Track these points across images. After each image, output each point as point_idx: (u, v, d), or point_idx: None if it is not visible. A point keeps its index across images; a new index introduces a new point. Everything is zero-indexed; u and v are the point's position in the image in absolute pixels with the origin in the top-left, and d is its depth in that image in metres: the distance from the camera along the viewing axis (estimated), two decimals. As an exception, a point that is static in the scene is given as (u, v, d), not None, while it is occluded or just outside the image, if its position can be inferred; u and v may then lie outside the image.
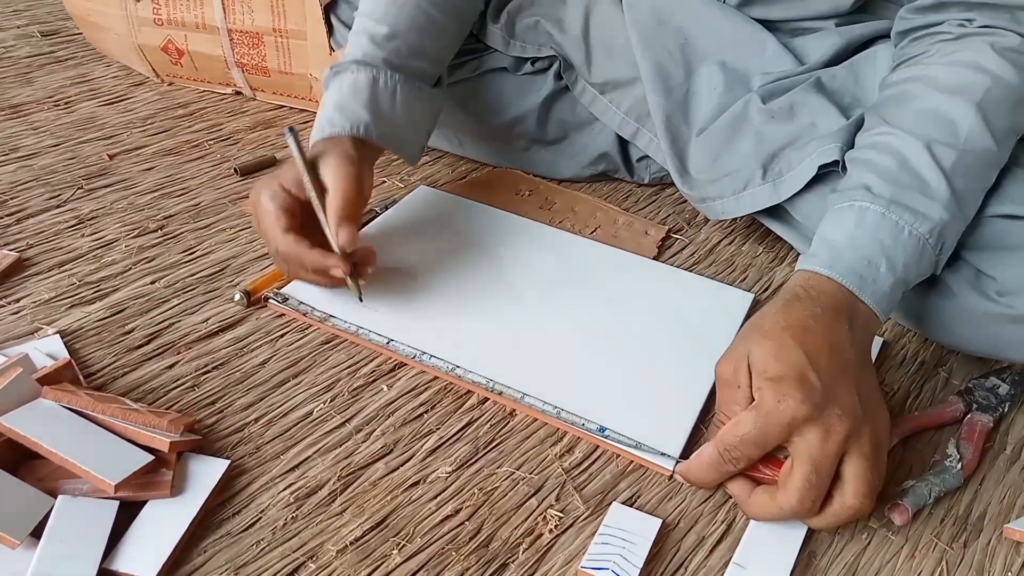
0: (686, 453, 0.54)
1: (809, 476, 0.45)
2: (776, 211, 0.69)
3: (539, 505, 0.51)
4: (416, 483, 0.52)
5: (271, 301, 0.64)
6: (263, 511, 0.49)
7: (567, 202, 0.80)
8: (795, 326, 0.48)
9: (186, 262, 0.69)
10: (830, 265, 0.51)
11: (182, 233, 0.73)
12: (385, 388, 0.59)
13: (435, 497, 0.51)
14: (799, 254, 0.73)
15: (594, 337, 0.63)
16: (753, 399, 0.47)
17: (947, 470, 0.54)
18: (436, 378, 0.59)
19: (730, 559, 0.48)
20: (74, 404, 0.50)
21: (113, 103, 0.94)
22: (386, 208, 0.76)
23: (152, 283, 0.67)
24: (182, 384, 0.58)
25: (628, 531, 0.49)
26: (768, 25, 0.71)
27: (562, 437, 0.56)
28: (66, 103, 0.93)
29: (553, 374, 0.59)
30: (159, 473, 0.48)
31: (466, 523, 0.50)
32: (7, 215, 0.73)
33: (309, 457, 0.53)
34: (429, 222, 0.75)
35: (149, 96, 0.96)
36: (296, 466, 0.52)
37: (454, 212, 0.76)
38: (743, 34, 0.70)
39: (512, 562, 0.48)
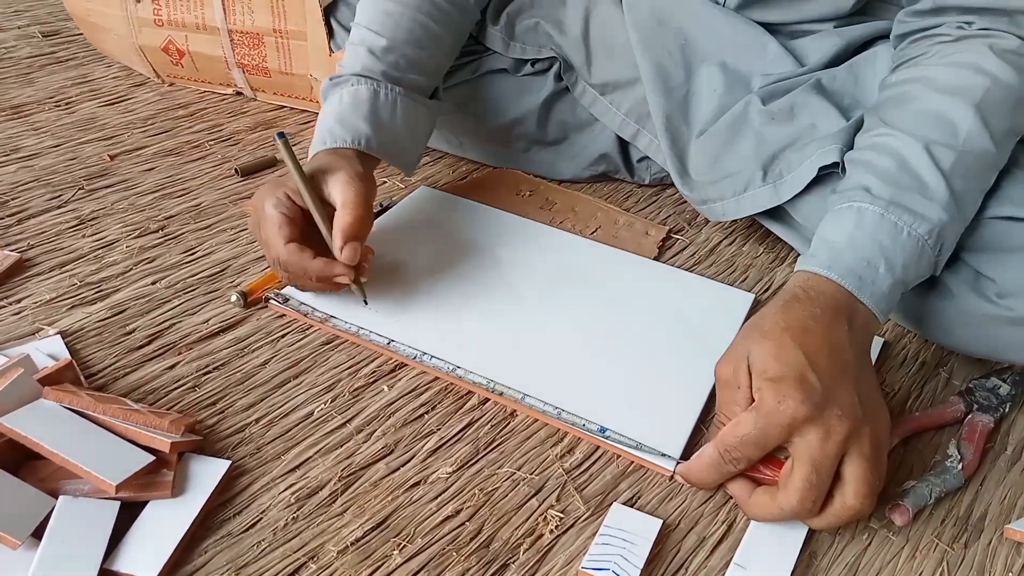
0: (687, 454, 0.54)
1: (809, 477, 0.45)
2: (776, 212, 0.69)
3: (540, 506, 0.51)
4: (417, 483, 0.52)
5: (272, 302, 0.64)
6: (264, 512, 0.49)
7: (567, 202, 0.81)
8: (795, 327, 0.48)
9: (187, 263, 0.69)
10: (829, 266, 0.51)
11: (183, 234, 0.73)
12: (386, 389, 0.59)
13: (436, 497, 0.51)
14: (799, 255, 0.72)
15: (595, 337, 0.63)
16: (753, 400, 0.47)
17: (948, 470, 0.54)
18: (437, 379, 0.60)
19: (731, 560, 0.48)
20: (75, 405, 0.50)
21: (114, 104, 0.94)
22: (386, 208, 0.76)
23: (153, 284, 0.67)
24: (183, 385, 0.58)
25: (629, 532, 0.49)
26: (767, 27, 0.71)
27: (563, 438, 0.56)
28: (67, 104, 0.93)
29: (554, 375, 0.59)
30: (160, 474, 0.49)
31: (467, 523, 0.50)
32: (8, 216, 0.73)
33: (310, 458, 0.53)
34: (430, 222, 0.75)
35: (150, 97, 0.96)
36: (297, 466, 0.52)
37: (454, 212, 0.76)
38: (744, 35, 0.70)
39: (513, 563, 0.48)
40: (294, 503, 0.50)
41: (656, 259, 0.73)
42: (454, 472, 0.53)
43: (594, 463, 0.54)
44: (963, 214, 0.55)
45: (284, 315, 0.64)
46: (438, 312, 0.64)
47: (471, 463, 0.54)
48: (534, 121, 0.81)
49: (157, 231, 0.73)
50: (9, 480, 0.46)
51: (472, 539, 0.49)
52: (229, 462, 0.51)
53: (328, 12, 0.84)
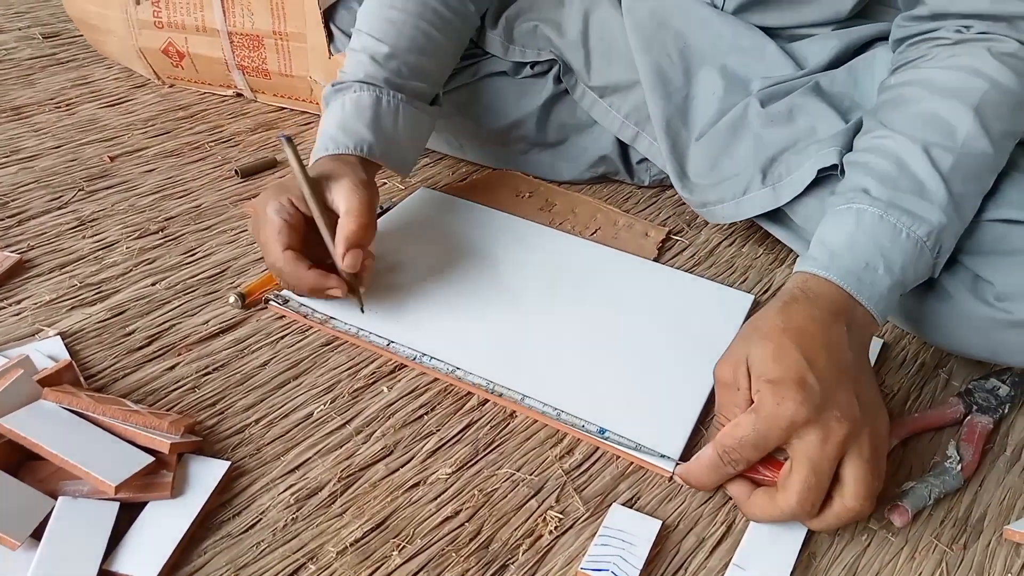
0: (686, 455, 0.54)
1: (808, 478, 0.45)
2: (775, 214, 0.69)
3: (539, 506, 0.51)
4: (416, 484, 0.52)
5: (271, 303, 0.65)
6: (263, 512, 0.49)
7: (567, 204, 0.81)
8: (793, 328, 0.48)
9: (187, 264, 0.69)
10: (828, 267, 0.51)
11: (183, 235, 0.73)
12: (385, 390, 0.59)
13: (435, 498, 0.51)
14: (798, 256, 0.73)
15: (594, 338, 0.63)
16: (752, 401, 0.47)
17: (947, 471, 0.54)
18: (436, 380, 0.60)
19: (730, 560, 0.48)
20: (75, 406, 0.50)
21: (114, 105, 0.94)
22: (386, 210, 0.76)
23: (153, 285, 0.67)
24: (183, 385, 0.58)
25: (628, 532, 0.49)
26: (765, 31, 0.71)
27: (562, 439, 0.56)
28: (67, 105, 0.93)
29: (553, 376, 0.59)
30: (159, 474, 0.49)
31: (466, 524, 0.50)
32: (8, 217, 0.73)
33: (309, 458, 0.53)
34: (429, 224, 0.75)
35: (150, 98, 0.96)
36: (296, 467, 0.52)
37: (454, 214, 0.76)
38: (743, 38, 0.70)
39: (512, 563, 0.48)
40: (293, 504, 0.50)
41: (656, 260, 0.73)
42: (453, 473, 0.53)
43: (593, 464, 0.54)
44: (962, 216, 0.55)
45: (284, 316, 0.64)
46: (438, 313, 0.64)
47: (470, 464, 0.54)
48: (534, 123, 0.81)
49: (157, 232, 0.73)
50: (8, 481, 0.46)
51: (471, 540, 0.49)
52: (228, 463, 0.51)
53: (327, 16, 0.84)
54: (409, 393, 0.58)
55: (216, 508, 0.49)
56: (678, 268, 0.73)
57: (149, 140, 0.87)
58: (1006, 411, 0.59)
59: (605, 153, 0.82)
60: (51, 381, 0.52)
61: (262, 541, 0.48)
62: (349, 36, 0.83)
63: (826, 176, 0.62)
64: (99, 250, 0.70)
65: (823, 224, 0.55)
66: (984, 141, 0.54)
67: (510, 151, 0.84)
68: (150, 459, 0.48)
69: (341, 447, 0.54)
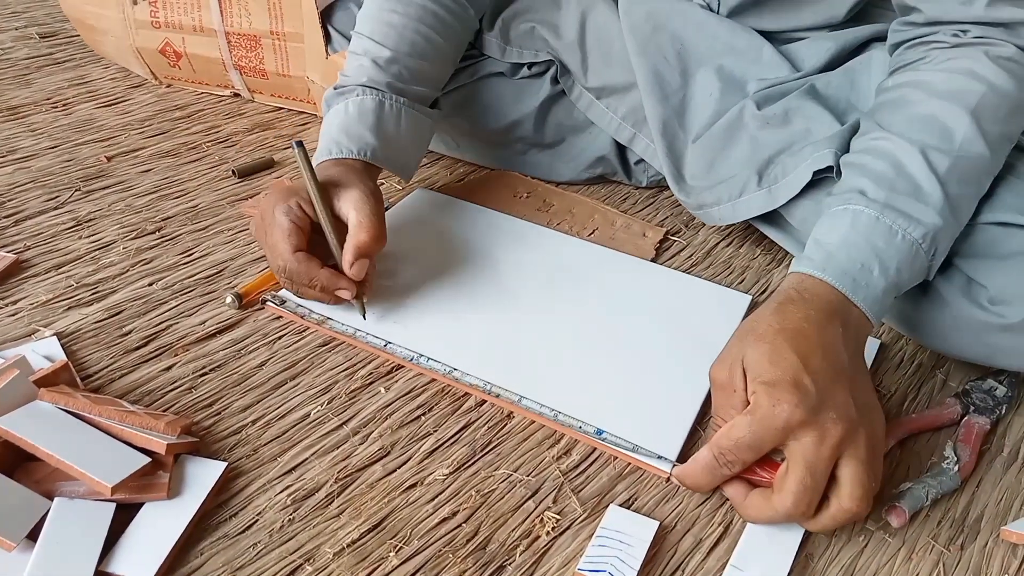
0: (684, 456, 0.54)
1: (804, 479, 0.45)
2: (771, 216, 0.69)
3: (536, 507, 0.51)
4: (413, 485, 0.52)
5: (268, 303, 0.64)
6: (260, 513, 0.49)
7: (565, 204, 0.81)
8: (789, 329, 0.48)
9: (184, 264, 0.69)
10: (823, 268, 0.51)
11: (180, 235, 0.73)
12: (383, 390, 0.59)
13: (432, 499, 0.51)
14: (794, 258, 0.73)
15: (592, 339, 0.63)
16: (748, 403, 0.47)
17: (944, 472, 0.54)
18: (433, 380, 0.60)
19: (727, 561, 0.49)
20: (71, 406, 0.50)
21: (111, 105, 0.94)
22: (384, 211, 0.76)
23: (150, 285, 0.67)
24: (180, 386, 0.58)
25: (625, 533, 0.49)
26: (761, 34, 0.71)
27: (560, 439, 0.56)
28: (64, 105, 0.93)
29: (551, 376, 0.59)
30: (156, 475, 0.48)
31: (463, 525, 0.50)
32: (5, 217, 0.73)
33: (306, 459, 0.53)
34: (427, 224, 0.75)
35: (147, 98, 0.96)
36: (293, 468, 0.52)
37: (452, 214, 0.76)
38: (739, 40, 0.70)
39: (509, 564, 0.48)
40: (290, 505, 0.50)
41: (653, 261, 0.73)
42: (451, 474, 0.53)
43: (591, 465, 0.54)
44: (958, 219, 0.55)
45: (281, 317, 0.64)
46: (435, 314, 0.64)
47: (468, 465, 0.54)
48: (531, 124, 0.81)
49: (154, 232, 0.73)
50: (5, 482, 0.46)
51: (469, 541, 0.49)
52: (225, 464, 0.51)
53: (324, 16, 0.84)
54: (406, 394, 0.58)
55: (213, 509, 0.49)
56: (676, 269, 0.73)
57: (146, 140, 0.87)
58: (1003, 412, 0.59)
59: (603, 154, 0.82)
60: (47, 382, 0.52)
61: (259, 542, 0.48)
62: (346, 37, 0.83)
63: (822, 178, 0.62)
64: (96, 250, 0.70)
65: (819, 225, 0.55)
66: (981, 144, 0.54)
67: (508, 152, 0.84)
68: (146, 460, 0.48)
69: (338, 448, 0.54)
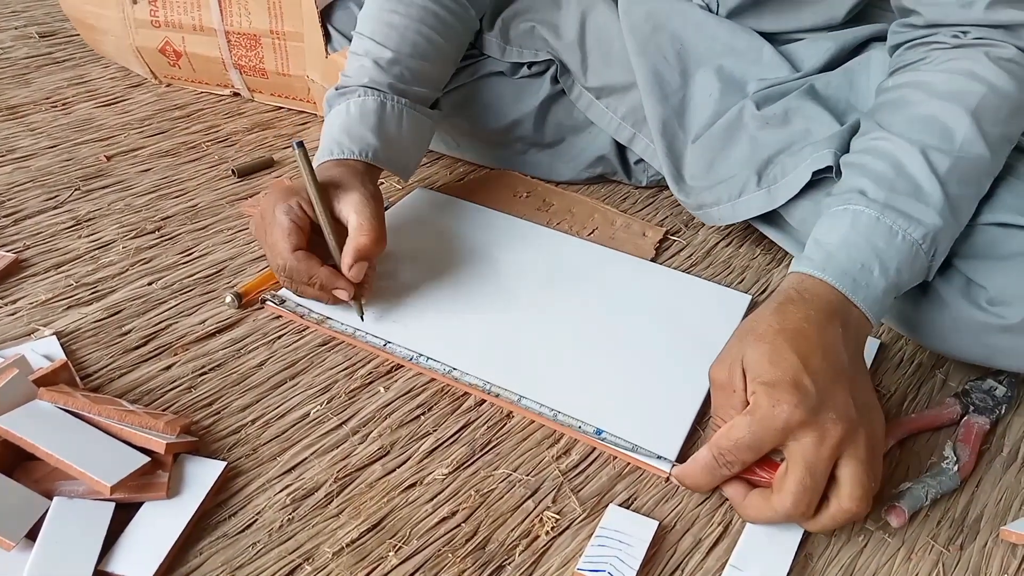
0: (683, 456, 0.54)
1: (804, 480, 0.45)
2: (771, 216, 0.69)
3: (536, 507, 0.51)
4: (413, 485, 0.52)
5: (268, 303, 0.64)
6: (259, 513, 0.49)
7: (565, 204, 0.81)
8: (789, 329, 0.48)
9: (183, 263, 0.69)
10: (823, 268, 0.51)
11: (179, 234, 0.73)
12: (382, 390, 0.59)
13: (432, 499, 0.51)
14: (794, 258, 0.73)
15: (591, 339, 0.63)
16: (748, 403, 0.47)
17: (944, 472, 0.54)
18: (433, 380, 0.60)
19: (727, 561, 0.48)
20: (70, 406, 0.50)
21: (111, 104, 0.94)
22: (384, 210, 0.76)
23: (149, 284, 0.67)
24: (179, 385, 0.57)
25: (625, 533, 0.49)
26: (760, 34, 0.71)
27: (559, 439, 0.56)
28: (63, 104, 0.93)
29: (550, 376, 0.59)
30: (155, 475, 0.48)
31: (463, 525, 0.50)
32: (4, 216, 0.73)
33: (306, 459, 0.53)
34: (427, 224, 0.75)
35: (147, 97, 0.96)
36: (293, 468, 0.52)
37: (452, 214, 0.76)
38: (739, 40, 0.70)
39: (508, 564, 0.48)
40: (290, 504, 0.50)
41: (653, 260, 0.73)
42: (450, 473, 0.53)
43: (590, 465, 0.54)
44: (958, 220, 0.55)
45: (280, 316, 0.64)
46: (435, 313, 0.64)
47: (467, 464, 0.54)
48: (531, 123, 0.81)
49: (153, 232, 0.73)
50: (4, 481, 0.46)
51: (468, 540, 0.49)
52: (225, 463, 0.51)
53: (324, 16, 0.84)
54: (406, 393, 0.58)
55: (212, 508, 0.49)
56: (675, 268, 0.73)
57: (145, 139, 0.87)
58: (1003, 412, 0.59)
59: (602, 153, 0.82)
60: (47, 381, 0.52)
61: (258, 542, 0.48)
62: (346, 36, 0.83)
63: (822, 178, 0.62)
64: (95, 250, 0.70)
65: (819, 225, 0.55)
66: (981, 145, 0.54)
67: (508, 151, 0.84)
68: (146, 459, 0.48)
69: (337, 447, 0.54)
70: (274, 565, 0.46)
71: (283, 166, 0.84)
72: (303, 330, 0.63)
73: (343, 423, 0.56)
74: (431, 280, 0.67)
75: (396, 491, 0.51)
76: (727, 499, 0.51)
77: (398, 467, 0.53)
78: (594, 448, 0.55)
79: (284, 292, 0.65)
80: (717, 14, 0.71)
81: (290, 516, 0.49)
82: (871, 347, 0.65)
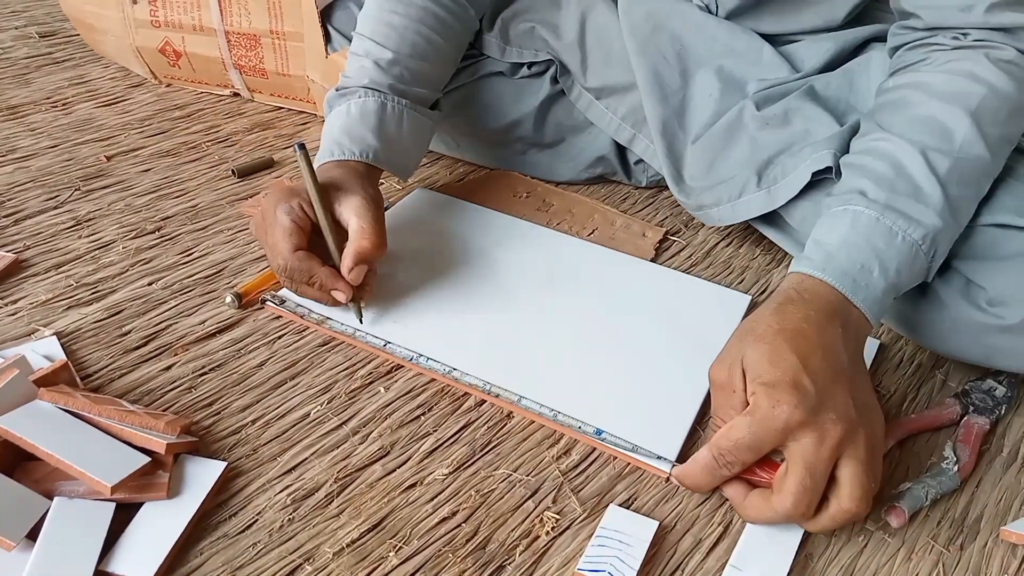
0: (683, 456, 0.54)
1: (804, 480, 0.45)
2: (770, 217, 0.69)
3: (536, 507, 0.51)
4: (413, 485, 0.52)
5: (268, 303, 0.64)
6: (260, 513, 0.49)
7: (565, 204, 0.81)
8: (788, 329, 0.48)
9: (184, 263, 0.69)
10: (823, 268, 0.51)
11: (180, 235, 0.73)
12: (382, 390, 0.59)
13: (432, 499, 0.51)
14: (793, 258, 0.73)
15: (591, 339, 0.63)
16: (748, 403, 0.47)
17: (944, 472, 0.54)
18: (433, 380, 0.60)
19: (727, 561, 0.49)
20: (71, 406, 0.50)
21: (111, 104, 0.94)
22: (384, 210, 0.76)
23: (149, 284, 0.67)
24: (179, 386, 0.58)
25: (625, 533, 0.49)
26: (760, 35, 0.71)
27: (559, 439, 0.56)
28: (64, 104, 0.93)
29: (550, 376, 0.59)
30: (156, 475, 0.48)
31: (463, 525, 0.50)
32: (4, 216, 0.73)
33: (306, 459, 0.53)
34: (426, 224, 0.75)
35: (147, 97, 0.96)
36: (293, 468, 0.52)
37: (451, 214, 0.76)
38: (739, 41, 0.70)
39: (509, 564, 0.48)
40: (290, 504, 0.50)
41: (653, 261, 0.73)
42: (450, 474, 0.53)
43: (590, 465, 0.54)
44: (957, 220, 0.55)
45: (280, 316, 0.64)
46: (435, 314, 0.64)
47: (467, 465, 0.54)
48: (531, 123, 0.81)
49: (153, 232, 0.73)
50: (4, 482, 0.46)
51: (468, 540, 0.49)
52: (225, 463, 0.51)
53: (324, 16, 0.84)
54: (406, 394, 0.58)
55: (212, 509, 0.49)
56: (675, 268, 0.73)
57: (145, 140, 0.87)
58: (1003, 412, 0.59)
59: (602, 154, 0.82)
60: (47, 381, 0.52)
61: (258, 542, 0.48)
62: (346, 36, 0.83)
63: (821, 179, 0.62)
64: (95, 250, 0.70)
65: (819, 225, 0.55)
66: (981, 146, 0.54)
67: (508, 151, 0.84)
68: (146, 459, 0.48)
69: (338, 448, 0.54)
70: (274, 565, 0.46)
71: (283, 166, 0.84)
72: (303, 330, 0.63)
73: (343, 423, 0.56)
74: (431, 280, 0.67)
75: (396, 491, 0.51)
76: (727, 499, 0.51)
77: (398, 467, 0.53)
78: (594, 448, 0.55)
79: (284, 292, 0.65)
80: (716, 15, 0.71)
81: (290, 516, 0.49)
82: (871, 347, 0.65)
